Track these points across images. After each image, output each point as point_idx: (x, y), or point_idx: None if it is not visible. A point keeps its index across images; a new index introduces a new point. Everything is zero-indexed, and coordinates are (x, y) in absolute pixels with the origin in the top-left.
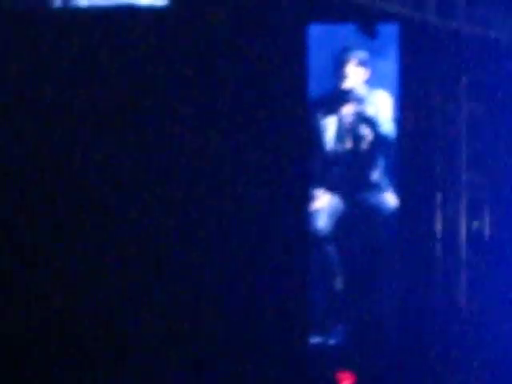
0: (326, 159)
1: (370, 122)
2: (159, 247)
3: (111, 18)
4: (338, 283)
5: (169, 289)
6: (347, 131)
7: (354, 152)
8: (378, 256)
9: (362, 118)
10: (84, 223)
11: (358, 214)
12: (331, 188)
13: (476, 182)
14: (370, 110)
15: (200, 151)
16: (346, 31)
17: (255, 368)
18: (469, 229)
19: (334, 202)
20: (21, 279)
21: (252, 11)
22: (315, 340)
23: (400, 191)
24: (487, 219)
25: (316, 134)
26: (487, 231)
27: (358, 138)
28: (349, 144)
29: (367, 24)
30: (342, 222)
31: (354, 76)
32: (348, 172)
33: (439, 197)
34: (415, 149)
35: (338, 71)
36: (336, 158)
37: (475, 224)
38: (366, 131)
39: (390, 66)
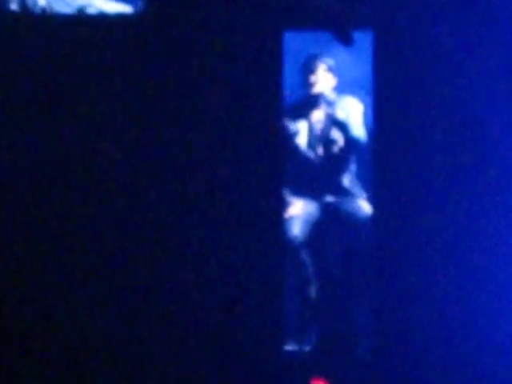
0: (299, 165)
1: (341, 127)
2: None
3: (78, 26)
4: (313, 290)
5: (143, 296)
6: (319, 137)
7: (326, 157)
8: (354, 262)
9: (333, 123)
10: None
11: (332, 220)
12: (305, 194)
13: (451, 186)
14: (341, 115)
15: (172, 158)
16: (319, 38)
17: (229, 375)
18: (443, 234)
19: (308, 208)
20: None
21: (226, 17)
22: (290, 347)
23: (374, 196)
24: (463, 224)
25: (288, 140)
26: (461, 237)
27: (329, 143)
28: (320, 149)
29: (342, 31)
30: (317, 228)
31: (324, 82)
32: (321, 177)
33: (414, 202)
34: (388, 153)
35: (307, 78)
36: (309, 164)
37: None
38: (336, 135)
39: (362, 71)
